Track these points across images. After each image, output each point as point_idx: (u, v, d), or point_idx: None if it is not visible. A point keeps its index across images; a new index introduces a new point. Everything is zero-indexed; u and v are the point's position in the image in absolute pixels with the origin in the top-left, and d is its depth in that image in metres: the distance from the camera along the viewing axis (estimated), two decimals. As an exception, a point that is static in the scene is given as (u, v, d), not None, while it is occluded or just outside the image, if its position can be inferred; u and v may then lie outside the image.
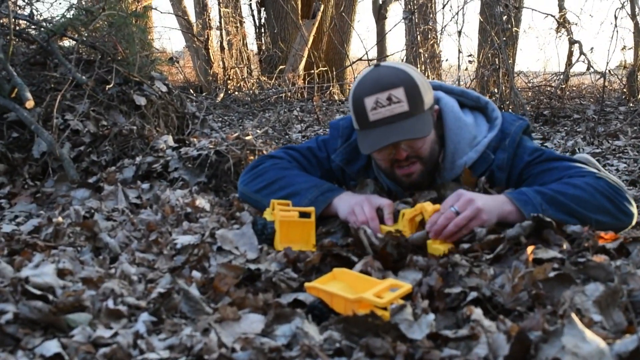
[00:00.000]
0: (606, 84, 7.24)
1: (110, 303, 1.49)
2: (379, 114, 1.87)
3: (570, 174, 1.85)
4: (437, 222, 1.70)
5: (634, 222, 1.85)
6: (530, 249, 1.53)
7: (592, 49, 8.65)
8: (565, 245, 1.62)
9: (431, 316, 1.27)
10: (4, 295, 1.47)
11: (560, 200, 1.75)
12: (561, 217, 1.70)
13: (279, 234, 1.86)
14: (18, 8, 4.08)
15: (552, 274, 1.40)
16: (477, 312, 1.27)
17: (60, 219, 2.43)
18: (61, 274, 1.68)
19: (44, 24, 3.96)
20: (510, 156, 1.97)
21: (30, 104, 3.30)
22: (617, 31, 7.00)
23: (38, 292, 1.48)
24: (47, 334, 1.36)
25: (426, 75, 8.55)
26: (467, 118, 2.07)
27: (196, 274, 1.75)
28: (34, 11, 4.12)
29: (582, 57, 7.20)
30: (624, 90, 8.00)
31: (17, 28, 3.85)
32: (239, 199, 2.43)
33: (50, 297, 1.48)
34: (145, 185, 3.06)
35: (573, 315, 1.07)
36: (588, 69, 7.32)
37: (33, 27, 3.96)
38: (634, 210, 1.83)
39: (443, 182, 2.04)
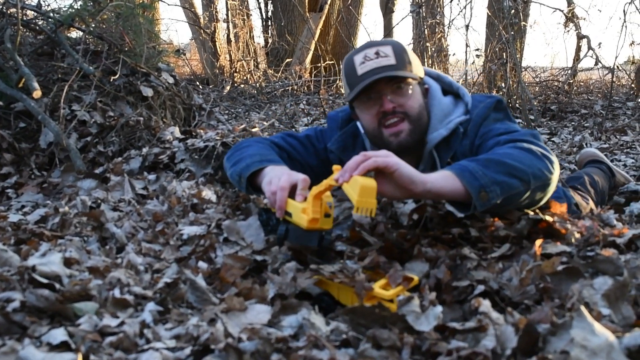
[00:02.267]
0: (614, 79, 7.19)
1: (116, 292, 1.49)
2: (366, 67, 1.93)
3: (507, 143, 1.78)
4: (345, 168, 1.53)
5: (556, 173, 1.72)
6: (538, 242, 1.53)
7: (600, 44, 8.63)
8: (574, 239, 1.61)
9: (439, 308, 1.26)
10: (11, 284, 1.47)
11: (495, 159, 1.63)
12: (501, 178, 1.57)
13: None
14: (25, -2, 4.08)
15: (560, 268, 1.40)
16: (485, 304, 1.26)
17: (66, 209, 2.44)
18: (68, 263, 1.68)
19: (52, 14, 3.96)
20: (472, 141, 1.96)
21: (37, 94, 3.30)
22: (625, 26, 6.95)
23: (45, 281, 1.48)
24: (54, 323, 1.36)
25: (433, 68, 8.51)
26: (446, 99, 2.09)
27: (202, 265, 1.76)
28: (42, 1, 4.13)
29: (590, 52, 7.15)
30: (632, 85, 7.96)
31: (25, 18, 3.85)
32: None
33: (57, 285, 1.48)
34: (152, 176, 3.08)
35: (582, 308, 1.07)
36: (596, 64, 7.26)
37: (41, 17, 3.97)
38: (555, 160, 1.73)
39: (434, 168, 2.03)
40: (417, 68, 2.01)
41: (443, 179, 1.57)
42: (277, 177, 1.76)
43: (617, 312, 1.25)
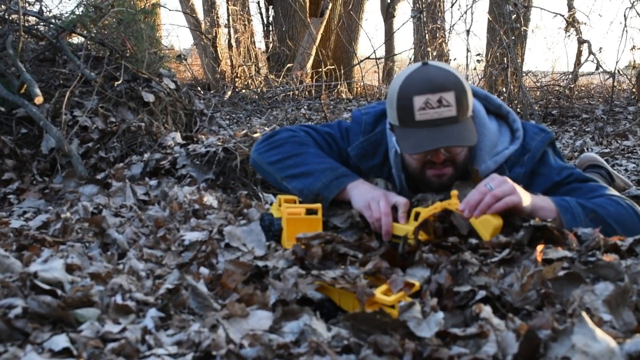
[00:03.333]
0: (615, 83, 7.19)
1: (118, 298, 1.50)
2: (426, 115, 1.83)
3: (601, 193, 1.85)
4: (470, 198, 1.69)
5: None
6: (539, 248, 1.53)
7: (600, 48, 8.60)
8: (575, 245, 1.61)
9: (440, 314, 1.26)
10: (13, 290, 1.48)
11: (600, 214, 1.75)
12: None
13: (286, 232, 1.84)
14: (27, 4, 4.09)
15: (561, 273, 1.40)
16: (486, 310, 1.26)
17: (68, 214, 2.44)
18: (70, 269, 1.68)
19: (53, 20, 3.98)
20: (528, 172, 1.94)
21: (39, 100, 3.31)
22: (626, 31, 6.96)
23: (47, 287, 1.49)
24: (56, 329, 1.36)
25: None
26: (492, 125, 2.03)
27: (204, 271, 1.76)
28: (43, 7, 4.14)
29: (591, 56, 7.18)
30: (633, 90, 7.97)
31: (27, 24, 3.86)
32: (250, 165, 2.41)
33: (59, 292, 1.48)
34: (153, 182, 3.08)
35: (583, 313, 1.07)
36: (597, 68, 7.28)
37: (42, 23, 3.99)
38: None
39: (456, 183, 1.98)
40: (471, 102, 1.92)
41: (547, 211, 1.75)
42: (375, 202, 1.85)
43: (618, 317, 1.25)
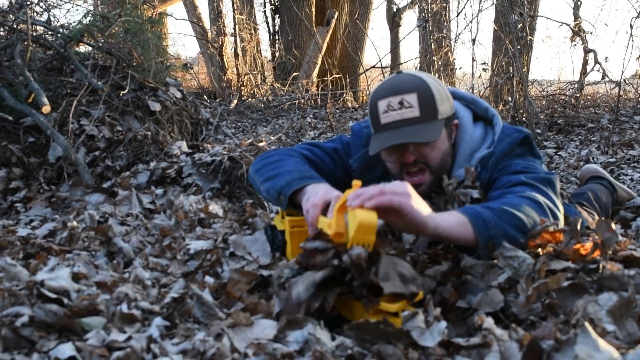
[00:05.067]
0: (621, 93, 7.19)
1: (124, 307, 1.50)
2: (389, 117, 1.87)
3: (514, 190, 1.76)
4: (359, 191, 1.51)
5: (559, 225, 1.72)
6: (542, 259, 1.53)
7: (606, 58, 8.62)
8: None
9: (443, 324, 1.26)
10: (20, 299, 1.48)
11: (509, 211, 1.62)
12: (511, 232, 1.58)
13: (289, 246, 1.82)
14: (35, 14, 4.12)
15: (565, 284, 1.40)
16: (489, 321, 1.27)
17: (74, 223, 2.45)
18: (76, 277, 1.69)
19: (61, 30, 4.00)
20: (488, 177, 1.91)
21: (46, 109, 3.33)
22: (632, 40, 6.96)
23: (53, 296, 1.49)
24: (62, 337, 1.37)
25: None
26: (477, 130, 2.03)
27: (209, 279, 1.77)
28: (51, 17, 4.17)
29: (597, 66, 7.16)
30: (639, 99, 7.96)
31: (35, 34, 3.88)
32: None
33: (65, 300, 1.49)
34: (159, 191, 3.09)
35: (586, 324, 1.07)
36: (603, 77, 7.26)
37: (50, 33, 4.01)
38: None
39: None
40: (445, 107, 1.91)
41: (455, 224, 1.56)
42: (313, 194, 1.74)
43: (621, 328, 1.25)
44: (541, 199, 1.69)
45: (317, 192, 1.73)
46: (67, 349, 1.27)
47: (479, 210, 1.60)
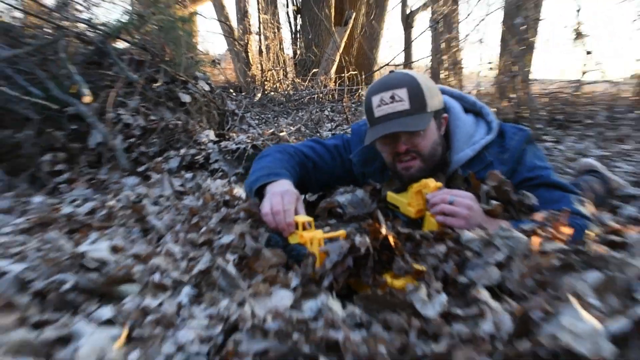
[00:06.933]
0: (618, 91, 7.12)
1: (156, 277, 1.54)
2: (382, 111, 1.91)
3: (558, 197, 1.84)
4: (435, 196, 1.77)
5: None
6: (536, 240, 1.54)
7: (605, 59, 8.51)
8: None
9: (444, 296, 1.28)
10: (65, 267, 1.52)
11: None
12: None
13: (319, 260, 1.66)
14: (78, 12, 4.13)
15: (556, 263, 1.41)
16: (485, 294, 1.28)
17: (112, 202, 2.48)
18: (114, 250, 1.73)
19: (101, 27, 4.01)
20: (509, 169, 1.94)
21: (87, 99, 3.37)
22: (631, 42, 6.85)
23: (94, 265, 1.53)
24: (102, 302, 1.41)
25: (448, 80, 8.48)
26: (468, 119, 2.06)
27: (232, 255, 1.79)
28: (92, 15, 4.19)
29: (596, 66, 7.10)
30: (635, 98, 7.85)
31: (77, 30, 3.90)
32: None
33: (105, 269, 1.53)
34: (189, 175, 3.11)
35: (572, 298, 1.09)
36: (601, 77, 7.21)
37: (91, 30, 4.03)
38: None
39: (454, 175, 2.02)
40: (434, 101, 1.95)
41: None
42: (278, 196, 1.82)
43: (604, 302, 1.26)
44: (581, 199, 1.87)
45: (272, 193, 1.82)
46: (107, 312, 1.30)
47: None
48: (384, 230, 1.49)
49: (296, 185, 1.99)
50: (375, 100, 1.93)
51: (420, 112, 1.90)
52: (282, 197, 1.78)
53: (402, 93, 1.89)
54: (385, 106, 1.90)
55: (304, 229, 1.75)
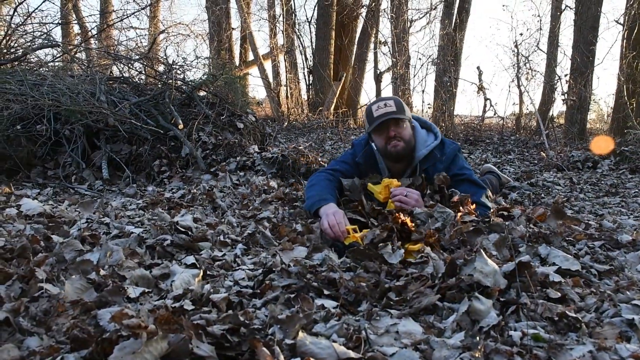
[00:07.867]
0: (504, 123, 7.05)
1: (221, 237, 1.52)
2: (378, 112, 1.91)
3: (474, 191, 1.81)
4: (396, 189, 1.73)
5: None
6: (459, 214, 1.51)
7: (496, 103, 8.38)
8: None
9: (401, 251, 1.26)
10: (166, 231, 1.51)
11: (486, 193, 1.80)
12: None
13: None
14: (177, 74, 4.12)
15: (471, 228, 1.39)
16: (427, 249, 1.26)
17: (195, 190, 2.47)
18: (195, 220, 1.71)
19: (190, 82, 4.02)
20: (445, 167, 1.92)
21: (181, 126, 3.36)
22: (510, 91, 6.76)
23: (183, 230, 1.51)
24: (188, 253, 1.40)
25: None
26: (423, 132, 2.03)
27: (269, 224, 1.77)
28: (185, 75, 4.19)
29: (492, 107, 7.06)
30: (514, 127, 7.79)
31: (176, 85, 3.90)
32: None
33: (190, 232, 1.52)
34: (242, 173, 3.10)
35: (482, 250, 1.06)
36: (494, 114, 7.18)
37: (184, 84, 4.03)
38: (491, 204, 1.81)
39: (415, 169, 1.96)
40: (408, 113, 1.96)
41: None
42: (325, 216, 1.63)
43: (500, 253, 1.24)
44: (488, 192, 1.87)
45: (327, 214, 1.64)
46: (191, 259, 1.29)
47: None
48: (402, 217, 1.43)
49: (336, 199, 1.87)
50: (374, 107, 1.94)
51: (401, 114, 1.91)
52: (334, 216, 1.63)
53: (390, 102, 1.92)
54: (380, 109, 1.91)
55: (355, 232, 1.58)
